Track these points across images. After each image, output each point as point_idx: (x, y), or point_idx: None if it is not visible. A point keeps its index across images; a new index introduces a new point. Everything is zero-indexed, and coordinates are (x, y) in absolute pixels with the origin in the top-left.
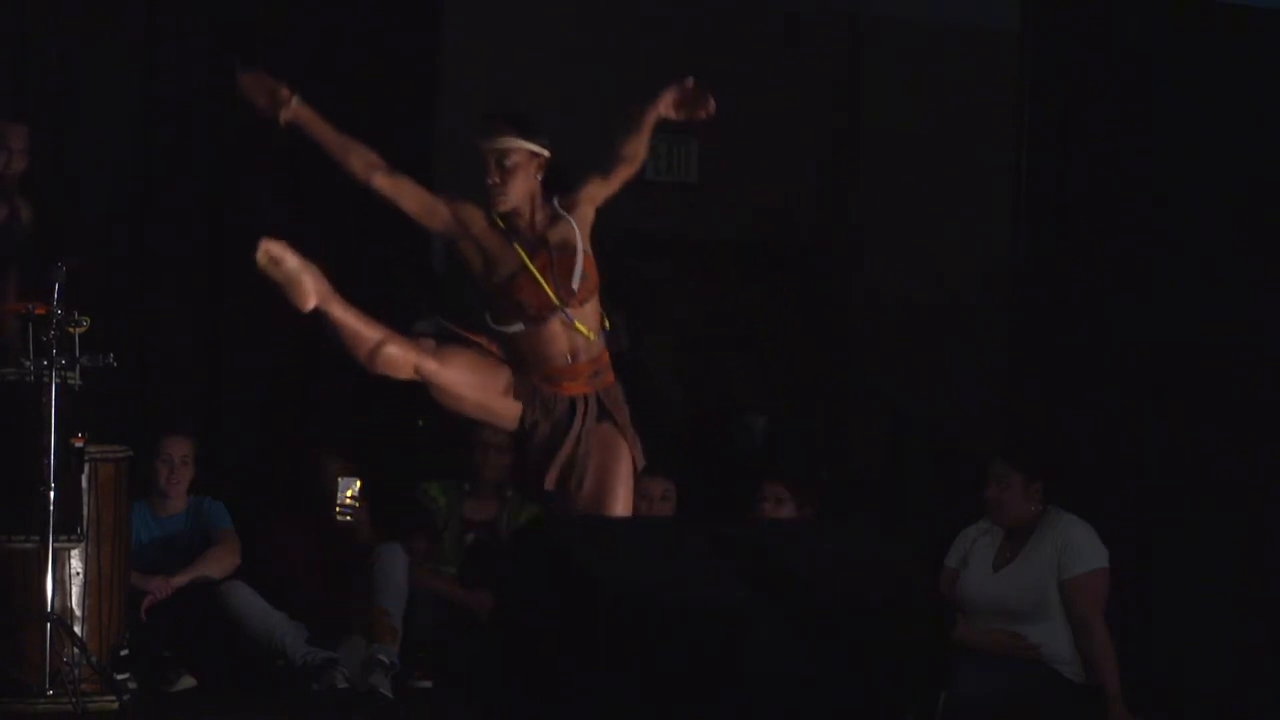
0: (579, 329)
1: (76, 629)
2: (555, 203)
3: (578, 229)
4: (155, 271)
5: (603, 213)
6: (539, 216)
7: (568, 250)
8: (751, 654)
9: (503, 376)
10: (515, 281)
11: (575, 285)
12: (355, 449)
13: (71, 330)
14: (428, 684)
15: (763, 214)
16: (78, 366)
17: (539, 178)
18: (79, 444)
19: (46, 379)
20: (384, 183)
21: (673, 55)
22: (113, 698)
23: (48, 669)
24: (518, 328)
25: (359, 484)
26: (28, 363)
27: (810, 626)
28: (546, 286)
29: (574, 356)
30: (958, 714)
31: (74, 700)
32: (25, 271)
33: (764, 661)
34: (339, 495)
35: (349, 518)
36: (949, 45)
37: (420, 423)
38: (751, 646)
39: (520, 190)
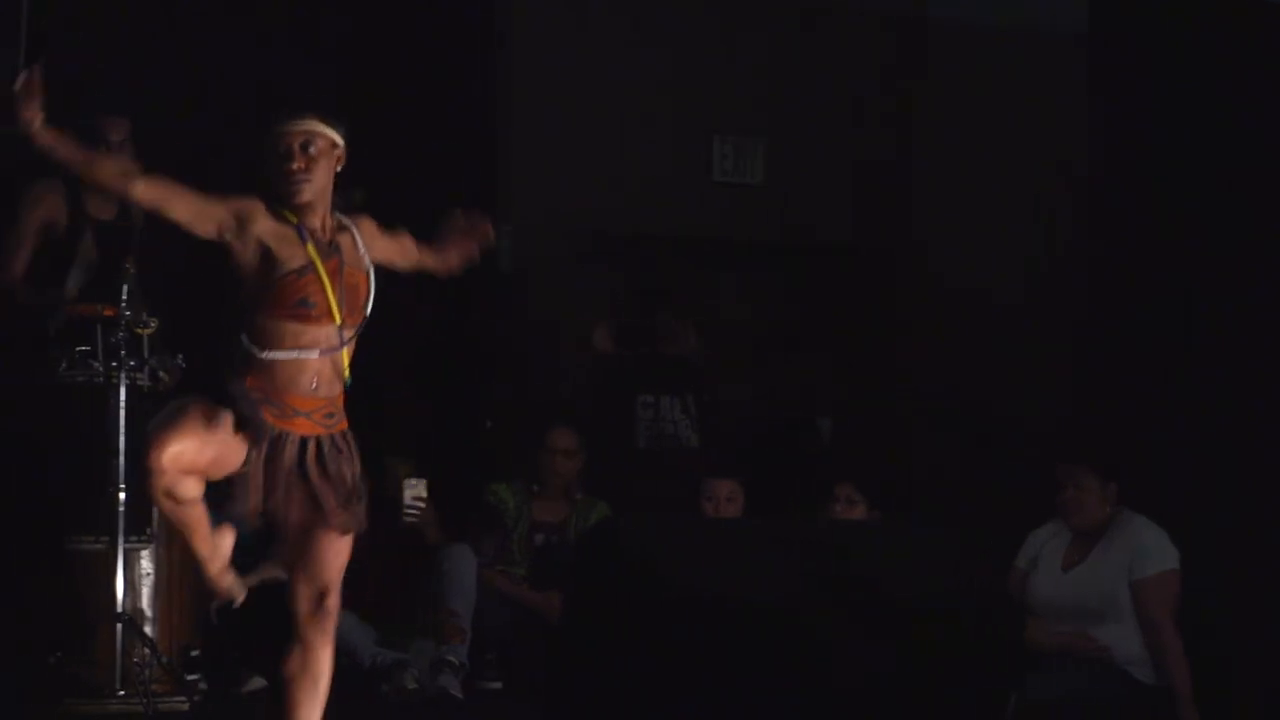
0: (343, 356)
1: (147, 629)
2: (338, 216)
3: (366, 255)
4: (218, 270)
5: (670, 214)
6: (328, 220)
7: (359, 268)
8: (817, 655)
9: (226, 422)
10: (302, 279)
11: (361, 308)
12: (423, 450)
13: (140, 332)
14: (497, 685)
15: (828, 215)
16: (146, 368)
17: (335, 172)
18: None
19: (116, 380)
20: (145, 191)
21: (736, 62)
22: (183, 698)
23: (119, 669)
24: (281, 328)
25: (426, 485)
26: (97, 364)
27: (877, 627)
28: (331, 294)
29: (317, 385)
30: (1028, 715)
31: (145, 701)
32: (144, 270)
33: (830, 663)
34: (406, 497)
35: (416, 519)
36: (1013, 47)
37: (488, 424)
38: (817, 648)
39: (320, 181)
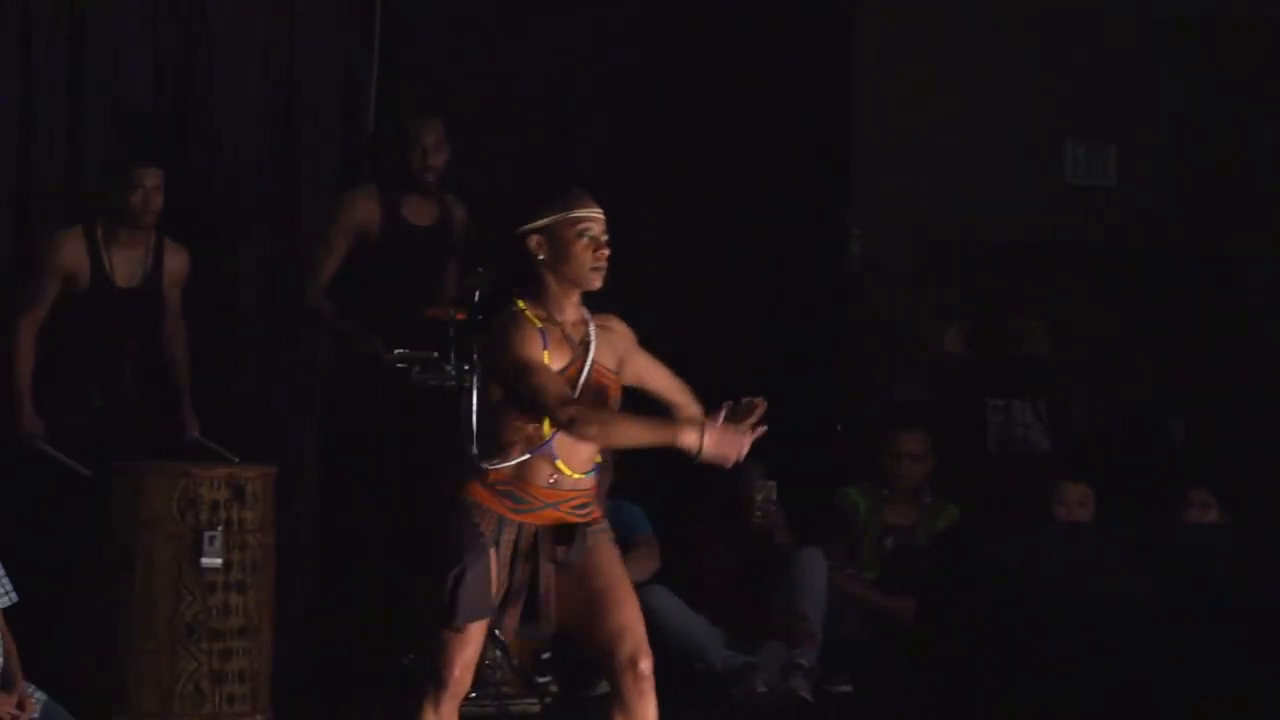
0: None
1: (498, 633)
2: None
3: (604, 357)
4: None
5: (1023, 217)
6: (579, 313)
7: (610, 369)
8: (1173, 662)
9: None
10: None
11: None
12: (773, 452)
13: None
14: (848, 689)
15: (1180, 217)
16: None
17: None
18: None
19: (467, 384)
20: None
21: (1088, 65)
22: (534, 700)
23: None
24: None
25: (776, 487)
26: (450, 368)
27: (1234, 633)
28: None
29: (556, 480)
30: None
31: (496, 703)
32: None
33: (1186, 670)
34: (757, 498)
35: (766, 521)
36: None
37: (839, 427)
38: (1173, 654)
39: None
